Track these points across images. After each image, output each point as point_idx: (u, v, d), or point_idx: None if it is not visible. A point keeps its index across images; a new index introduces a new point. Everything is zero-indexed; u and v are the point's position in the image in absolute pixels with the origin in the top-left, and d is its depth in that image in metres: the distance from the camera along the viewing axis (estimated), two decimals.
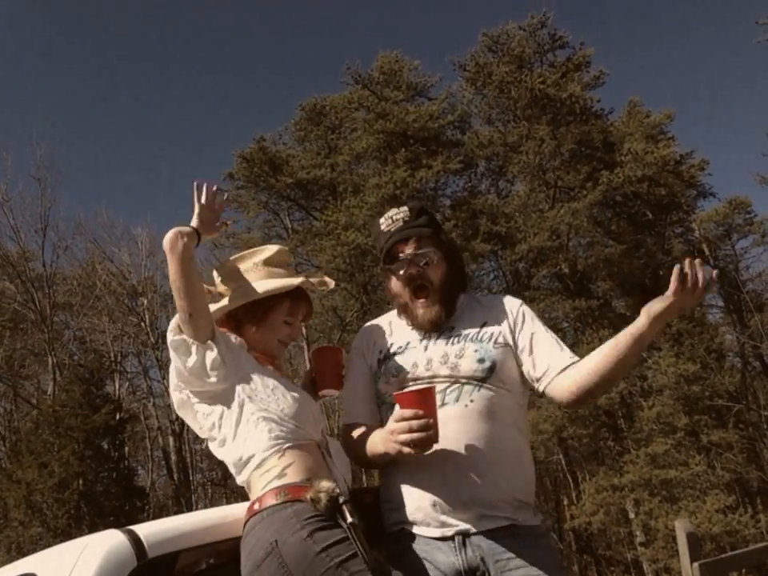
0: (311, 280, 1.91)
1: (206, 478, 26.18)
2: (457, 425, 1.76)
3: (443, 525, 1.74)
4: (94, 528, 14.77)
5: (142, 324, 22.60)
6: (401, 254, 1.88)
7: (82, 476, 16.07)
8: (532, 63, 20.91)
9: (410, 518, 1.78)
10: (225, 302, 1.85)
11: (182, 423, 23.15)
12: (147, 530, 1.58)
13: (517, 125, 20.92)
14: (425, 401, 1.63)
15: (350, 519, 1.53)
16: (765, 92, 34.50)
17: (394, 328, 2.01)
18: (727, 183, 48.70)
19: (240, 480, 1.70)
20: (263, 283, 1.85)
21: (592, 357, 1.83)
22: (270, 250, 1.94)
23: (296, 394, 1.73)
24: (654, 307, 1.66)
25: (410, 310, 1.92)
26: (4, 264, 21.76)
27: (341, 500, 1.55)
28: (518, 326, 1.93)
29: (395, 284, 1.93)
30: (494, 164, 22.34)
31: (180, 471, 21.52)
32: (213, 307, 1.80)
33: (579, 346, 17.75)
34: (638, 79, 39.21)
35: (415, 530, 1.77)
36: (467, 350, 1.85)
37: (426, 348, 1.90)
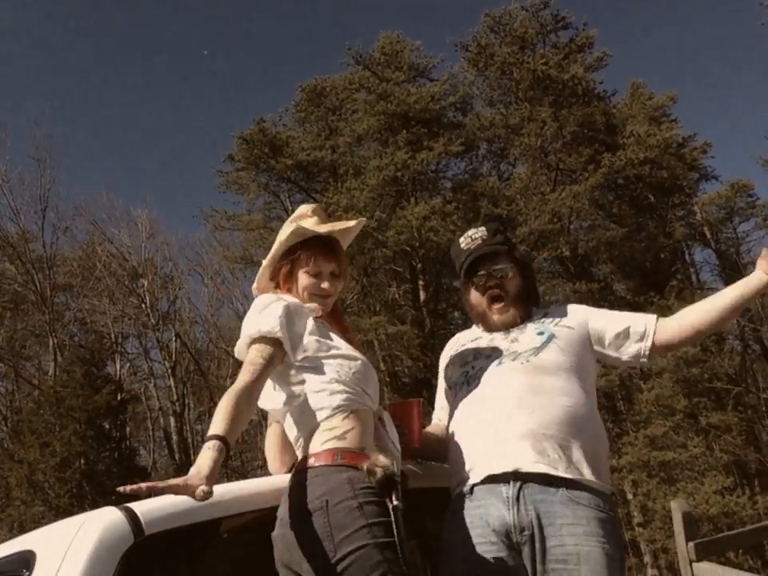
0: (303, 224, 1.84)
1: None
2: (510, 377, 1.91)
3: (497, 462, 1.79)
4: (95, 507, 14.81)
5: (143, 305, 22.63)
6: (480, 270, 2.06)
7: (83, 455, 16.21)
8: (534, 44, 20.74)
9: (468, 472, 1.86)
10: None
11: (183, 404, 23.29)
12: (145, 507, 1.58)
13: (519, 107, 20.80)
14: (405, 411, 1.96)
15: (395, 501, 1.55)
16: None
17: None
18: (729, 166, 48.59)
19: (296, 433, 1.71)
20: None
21: (694, 306, 2.05)
22: (300, 209, 1.95)
23: (363, 358, 1.76)
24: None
25: (486, 317, 2.10)
26: (4, 245, 21.75)
27: (395, 479, 1.57)
28: (590, 314, 2.10)
29: (474, 296, 2.11)
30: (496, 146, 22.24)
31: (181, 451, 21.66)
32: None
33: None
34: (641, 61, 38.89)
35: (470, 482, 1.84)
36: (528, 329, 2.04)
37: (492, 338, 2.08)
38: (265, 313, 1.70)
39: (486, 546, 1.74)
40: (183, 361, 24.09)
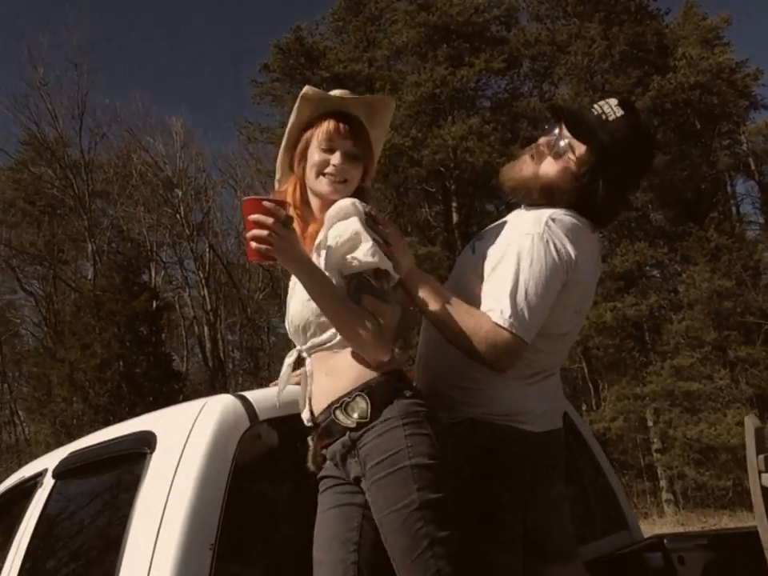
0: (307, 91, 1.61)
1: (239, 368, 27.19)
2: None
3: None
4: (133, 407, 15.58)
5: (177, 215, 22.83)
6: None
7: (122, 358, 16.81)
8: None
9: None
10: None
11: (216, 314, 23.83)
12: (257, 395, 1.68)
13: (567, 22, 19.90)
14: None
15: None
16: None
17: None
18: None
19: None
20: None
21: None
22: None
23: None
24: None
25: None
26: (42, 149, 21.87)
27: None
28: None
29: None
30: (539, 64, 21.41)
31: (214, 358, 22.35)
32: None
33: (613, 257, 17.67)
34: None
35: None
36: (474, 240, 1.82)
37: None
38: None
39: None
40: (215, 272, 24.48)
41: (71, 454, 2.05)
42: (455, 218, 20.63)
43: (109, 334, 16.39)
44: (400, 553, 1.36)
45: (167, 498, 1.49)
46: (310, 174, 1.60)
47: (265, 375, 23.33)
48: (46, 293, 24.34)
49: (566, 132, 1.66)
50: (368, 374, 1.47)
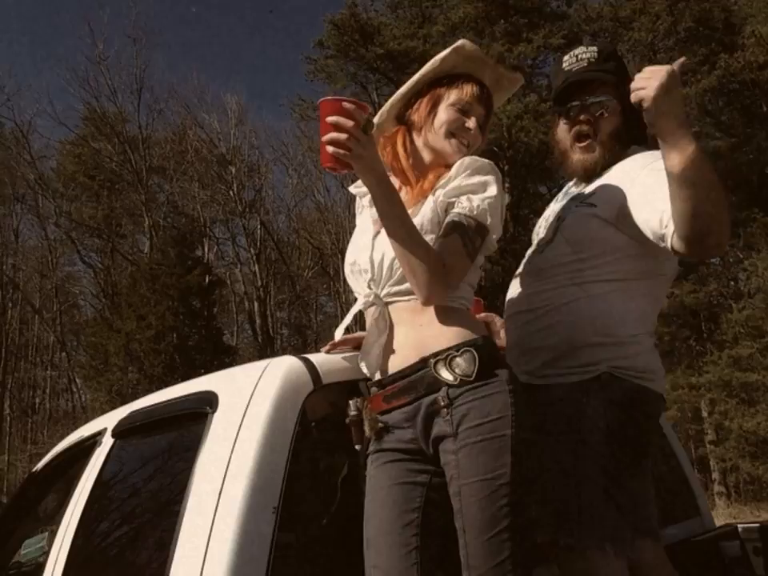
0: (465, 44, 1.55)
1: (287, 344, 27.53)
2: (515, 288, 1.76)
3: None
4: (186, 378, 15.89)
5: (230, 192, 23.10)
6: (575, 100, 1.72)
7: (176, 330, 17.21)
8: None
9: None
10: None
11: (267, 291, 24.13)
12: (321, 358, 1.62)
13: None
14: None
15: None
16: None
17: None
18: None
19: None
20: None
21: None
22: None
23: None
24: None
25: (567, 157, 1.77)
26: (102, 124, 22.37)
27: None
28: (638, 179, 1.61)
29: (561, 129, 1.77)
30: (601, 41, 20.75)
31: (264, 334, 22.67)
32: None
33: None
34: None
35: None
36: (558, 210, 1.78)
37: (548, 216, 1.83)
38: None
39: None
40: (266, 249, 24.75)
41: (132, 413, 2.04)
42: (507, 199, 20.27)
43: (163, 307, 16.79)
44: (476, 527, 1.27)
45: (229, 458, 1.45)
46: (438, 129, 1.54)
47: (312, 351, 23.57)
48: (104, 265, 25.04)
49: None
50: (469, 333, 1.39)
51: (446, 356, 1.36)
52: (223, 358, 18.07)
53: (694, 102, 17.30)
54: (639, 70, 1.37)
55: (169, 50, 39.77)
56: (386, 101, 1.68)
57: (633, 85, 1.33)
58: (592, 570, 1.44)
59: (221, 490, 1.42)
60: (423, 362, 1.38)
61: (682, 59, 1.37)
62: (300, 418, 1.50)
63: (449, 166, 1.51)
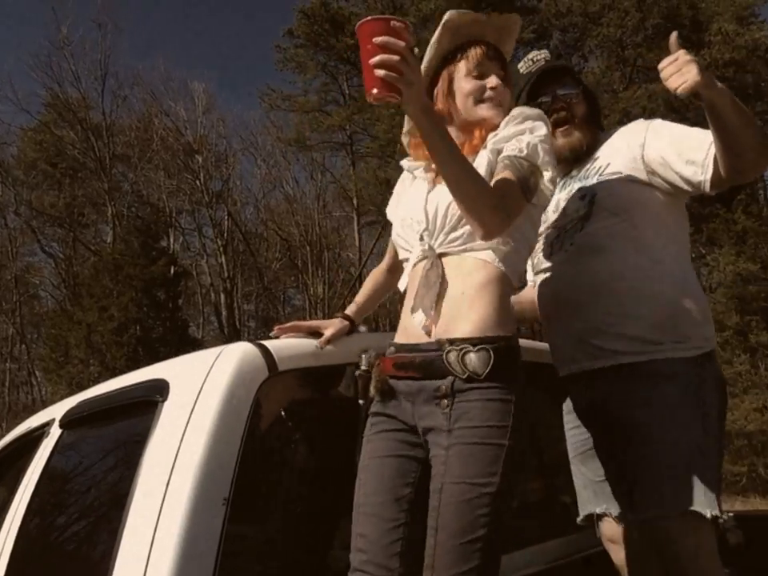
0: (451, 16, 1.51)
1: (254, 336, 27.30)
2: (559, 271, 1.78)
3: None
4: None
5: (197, 182, 22.76)
6: (544, 95, 1.84)
7: (139, 322, 16.89)
8: None
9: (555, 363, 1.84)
10: None
11: (233, 282, 23.87)
12: (278, 344, 1.56)
13: None
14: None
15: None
16: None
17: None
18: None
19: None
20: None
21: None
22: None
23: None
24: None
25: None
26: (65, 110, 21.82)
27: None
28: (648, 140, 1.72)
29: None
30: (570, 36, 20.87)
31: (230, 327, 22.42)
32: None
33: None
34: None
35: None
36: (573, 191, 1.82)
37: (555, 193, 1.84)
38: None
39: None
40: (233, 240, 24.47)
41: (80, 402, 1.96)
42: None
43: (126, 298, 16.46)
44: (450, 529, 1.23)
45: (178, 449, 1.38)
46: (466, 104, 1.51)
47: None
48: (66, 255, 24.48)
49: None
50: (494, 328, 1.33)
51: (460, 348, 1.31)
52: (188, 350, 17.72)
53: (661, 98, 17.53)
54: (607, 66, 1.46)
55: (135, 36, 38.94)
56: (356, 92, 1.63)
57: (665, 75, 1.42)
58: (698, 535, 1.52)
59: (168, 481, 1.35)
60: (438, 345, 1.34)
61: (675, 34, 1.49)
62: (254, 405, 1.43)
63: (495, 127, 1.50)
